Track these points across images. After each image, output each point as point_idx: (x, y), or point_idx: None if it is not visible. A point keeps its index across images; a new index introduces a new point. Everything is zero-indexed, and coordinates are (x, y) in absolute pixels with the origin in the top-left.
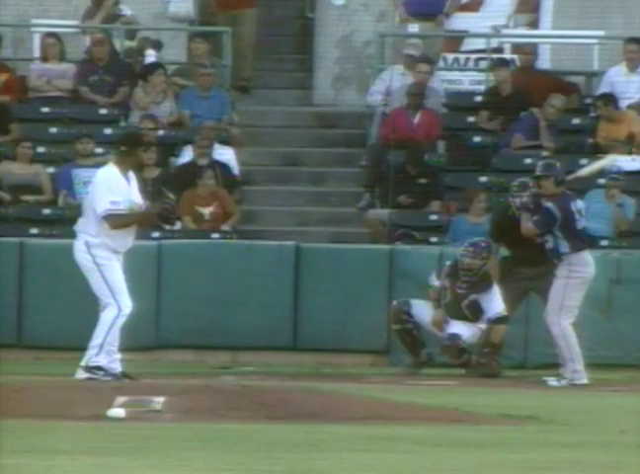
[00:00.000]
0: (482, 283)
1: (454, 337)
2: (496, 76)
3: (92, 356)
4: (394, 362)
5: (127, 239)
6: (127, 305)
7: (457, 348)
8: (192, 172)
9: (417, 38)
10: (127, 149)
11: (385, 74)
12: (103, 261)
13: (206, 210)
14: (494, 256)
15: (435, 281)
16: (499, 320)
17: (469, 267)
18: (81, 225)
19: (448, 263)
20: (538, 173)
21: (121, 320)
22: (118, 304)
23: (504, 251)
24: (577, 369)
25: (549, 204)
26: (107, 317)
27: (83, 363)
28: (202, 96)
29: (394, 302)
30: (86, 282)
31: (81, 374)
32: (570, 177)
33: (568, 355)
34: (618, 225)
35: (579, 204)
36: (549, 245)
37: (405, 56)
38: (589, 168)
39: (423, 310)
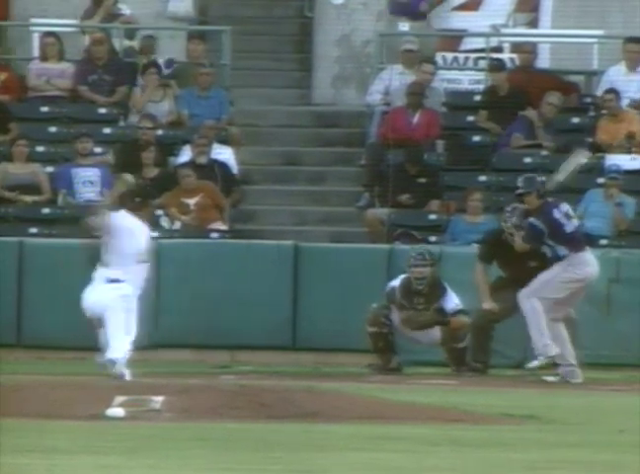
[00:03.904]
0: (437, 291)
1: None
2: (493, 78)
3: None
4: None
5: None
6: None
7: (460, 329)
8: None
9: (416, 37)
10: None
11: (385, 73)
12: None
13: (191, 201)
14: (483, 272)
15: (382, 302)
16: (457, 313)
17: (421, 275)
18: None
19: (396, 285)
20: (521, 191)
21: None
22: None
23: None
24: (547, 343)
25: (532, 219)
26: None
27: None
28: (201, 95)
29: (374, 305)
30: (87, 281)
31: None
32: (550, 184)
33: (537, 331)
34: (617, 224)
35: (563, 208)
36: (548, 254)
37: (404, 52)
38: (564, 170)
39: (396, 315)
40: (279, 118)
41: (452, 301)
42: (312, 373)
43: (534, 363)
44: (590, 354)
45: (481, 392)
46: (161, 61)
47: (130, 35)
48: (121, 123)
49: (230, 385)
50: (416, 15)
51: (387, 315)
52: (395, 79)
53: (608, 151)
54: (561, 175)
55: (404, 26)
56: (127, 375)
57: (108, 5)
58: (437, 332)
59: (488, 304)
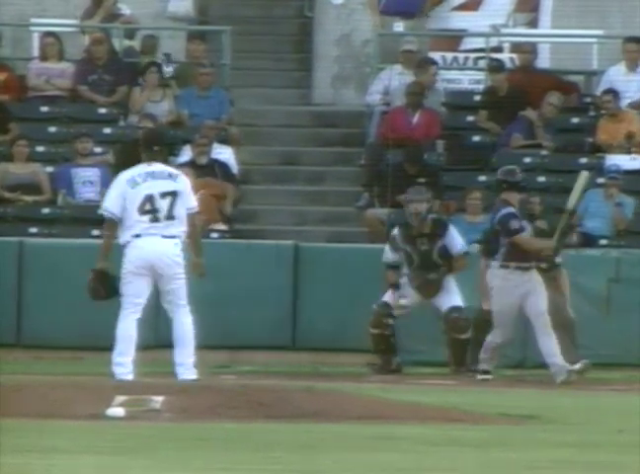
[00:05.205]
0: (439, 229)
1: (457, 310)
2: (493, 79)
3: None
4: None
5: None
6: None
7: (464, 319)
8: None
9: (415, 37)
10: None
11: (384, 73)
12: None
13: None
14: (484, 267)
15: (389, 256)
16: (463, 254)
17: (417, 211)
18: (173, 229)
19: (396, 231)
20: (518, 179)
21: None
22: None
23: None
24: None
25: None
26: (190, 324)
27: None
28: (202, 95)
29: (374, 306)
30: (84, 281)
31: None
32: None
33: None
34: (617, 224)
35: None
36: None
37: (403, 53)
38: (574, 196)
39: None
40: (278, 118)
41: (458, 243)
42: (312, 373)
43: (561, 378)
44: (590, 353)
45: (481, 392)
46: (163, 59)
47: (130, 35)
48: (121, 123)
49: (230, 385)
50: (412, 14)
51: (389, 313)
52: (395, 79)
53: (608, 151)
54: (572, 200)
55: (398, 26)
56: (130, 374)
57: (108, 5)
58: (442, 301)
59: (487, 305)
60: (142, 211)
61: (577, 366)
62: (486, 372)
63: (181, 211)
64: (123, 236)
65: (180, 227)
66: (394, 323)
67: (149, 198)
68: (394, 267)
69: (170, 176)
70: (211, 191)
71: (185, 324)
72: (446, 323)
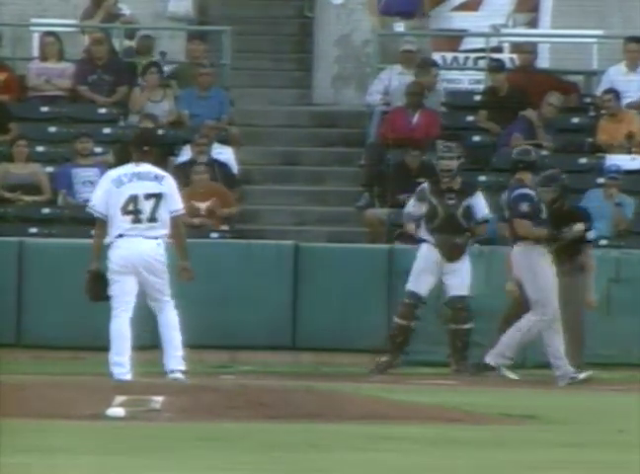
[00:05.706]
0: (468, 189)
1: (461, 300)
2: (493, 79)
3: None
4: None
5: None
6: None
7: (466, 311)
8: (189, 171)
9: (415, 37)
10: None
11: (384, 73)
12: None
13: (203, 205)
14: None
15: (411, 209)
16: (484, 221)
17: (448, 167)
18: (155, 231)
19: (425, 185)
20: (533, 158)
21: None
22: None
23: None
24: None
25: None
26: (175, 317)
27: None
28: (202, 95)
29: (405, 299)
30: (83, 282)
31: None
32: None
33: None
34: (617, 224)
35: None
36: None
37: (403, 53)
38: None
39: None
40: (278, 118)
41: (483, 209)
42: (312, 373)
43: (563, 383)
44: (589, 353)
45: (481, 392)
46: (160, 59)
47: (130, 35)
48: (121, 123)
49: (230, 385)
50: (412, 14)
51: (419, 306)
52: (394, 79)
53: (608, 151)
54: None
55: (399, 26)
56: (129, 374)
57: (108, 5)
58: (452, 282)
59: (511, 286)
60: (125, 212)
61: (581, 376)
62: (509, 367)
63: (164, 214)
64: (108, 236)
65: (162, 230)
66: (419, 317)
67: (133, 199)
68: (414, 219)
69: (156, 177)
70: (220, 198)
71: (169, 317)
72: (448, 310)
